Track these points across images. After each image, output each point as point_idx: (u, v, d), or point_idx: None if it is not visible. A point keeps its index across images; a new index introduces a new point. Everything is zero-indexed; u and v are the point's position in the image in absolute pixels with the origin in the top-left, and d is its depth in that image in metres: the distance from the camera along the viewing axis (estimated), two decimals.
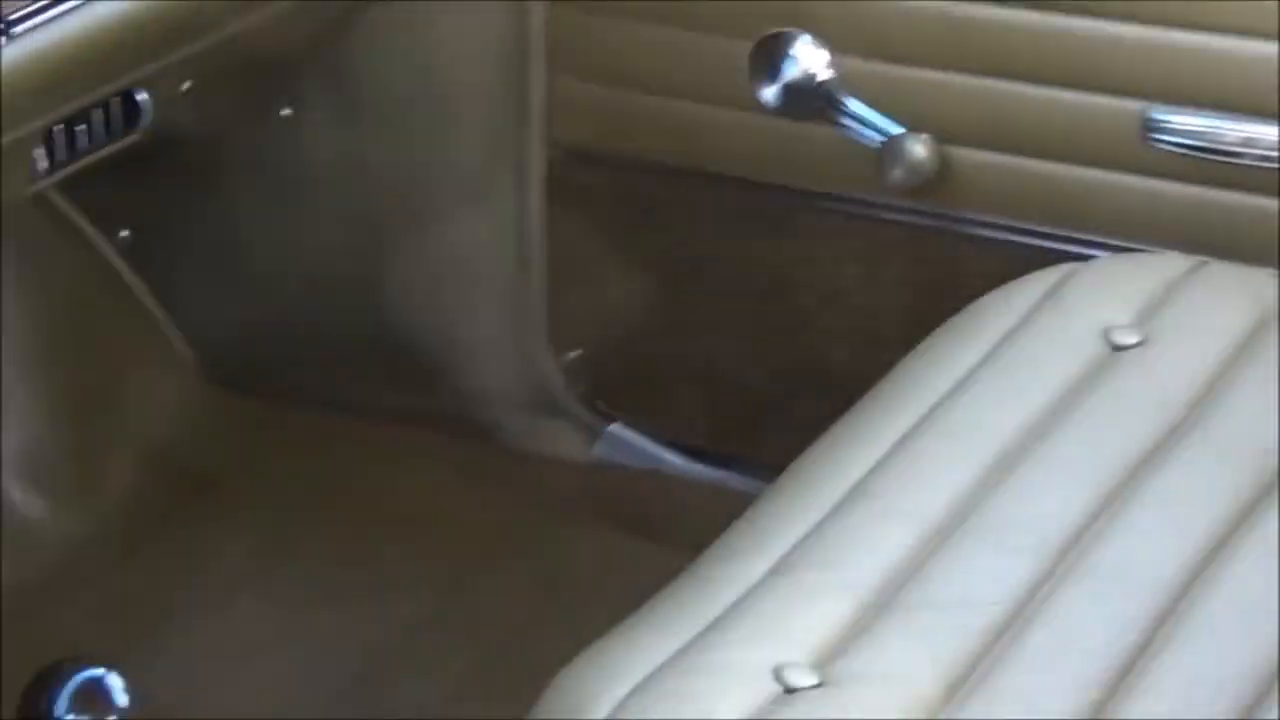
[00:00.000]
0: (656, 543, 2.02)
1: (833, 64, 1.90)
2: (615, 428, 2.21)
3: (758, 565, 1.39)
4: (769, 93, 1.95)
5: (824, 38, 1.90)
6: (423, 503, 2.25)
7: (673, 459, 2.20)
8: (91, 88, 1.78)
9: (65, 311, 2.16)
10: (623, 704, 1.27)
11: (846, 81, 1.93)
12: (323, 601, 2.11)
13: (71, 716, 1.42)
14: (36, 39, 1.55)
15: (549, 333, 2.22)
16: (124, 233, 2.27)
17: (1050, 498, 1.42)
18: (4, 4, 1.55)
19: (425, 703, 1.97)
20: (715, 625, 1.33)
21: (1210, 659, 1.22)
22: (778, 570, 1.37)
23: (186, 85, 1.89)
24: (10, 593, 2.02)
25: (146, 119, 1.84)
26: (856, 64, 1.90)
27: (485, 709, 1.85)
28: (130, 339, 2.39)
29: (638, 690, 1.26)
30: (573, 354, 2.22)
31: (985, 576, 1.36)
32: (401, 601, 2.08)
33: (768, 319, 2.10)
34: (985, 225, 1.94)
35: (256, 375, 2.40)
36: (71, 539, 2.16)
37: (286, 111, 2.16)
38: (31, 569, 2.12)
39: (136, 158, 1.88)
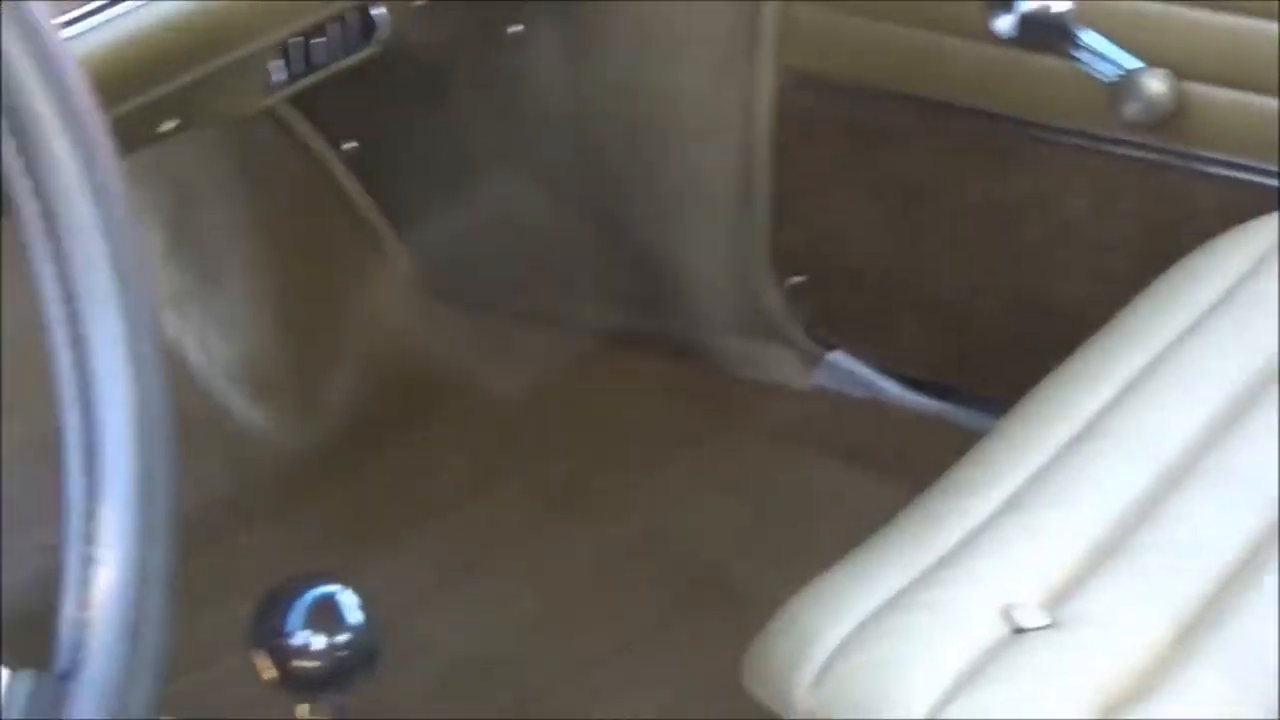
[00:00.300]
0: (875, 473, 2.05)
1: None
2: (836, 355, 2.20)
3: (987, 502, 1.40)
4: (1004, 23, 1.89)
5: None
6: (641, 424, 2.27)
7: (892, 389, 2.19)
8: (330, 1, 1.84)
9: (290, 224, 2.20)
10: (847, 640, 1.29)
11: (1083, 14, 1.87)
12: (540, 518, 2.13)
13: (306, 632, 1.33)
14: None
15: (771, 259, 2.21)
16: (349, 145, 2.30)
17: None
18: None
19: (638, 623, 1.98)
20: (943, 562, 1.35)
21: None
22: (1007, 508, 1.37)
23: (421, 0, 1.95)
24: (230, 506, 2.07)
25: (382, 33, 1.87)
26: None
27: (694, 632, 1.93)
28: (353, 252, 2.42)
29: (862, 626, 1.30)
30: (795, 280, 2.21)
31: (1216, 522, 1.35)
32: (616, 522, 2.09)
33: (995, 251, 2.08)
34: (1220, 164, 1.90)
35: (478, 291, 2.41)
36: (294, 451, 2.19)
37: (516, 29, 2.17)
38: (253, 481, 2.18)
39: (366, 72, 1.91)
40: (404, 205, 2.41)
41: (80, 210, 1.03)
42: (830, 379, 2.22)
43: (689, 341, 2.30)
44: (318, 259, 2.24)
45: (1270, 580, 1.30)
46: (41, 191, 1.03)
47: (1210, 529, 1.36)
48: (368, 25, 1.89)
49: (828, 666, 1.31)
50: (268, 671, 1.24)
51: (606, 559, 2.07)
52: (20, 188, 1.02)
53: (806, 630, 1.34)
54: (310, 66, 1.86)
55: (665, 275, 2.30)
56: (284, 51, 1.83)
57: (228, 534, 1.87)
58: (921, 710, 1.24)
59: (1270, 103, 1.87)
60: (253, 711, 1.29)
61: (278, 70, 1.83)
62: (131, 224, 1.05)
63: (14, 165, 1.02)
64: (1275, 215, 1.73)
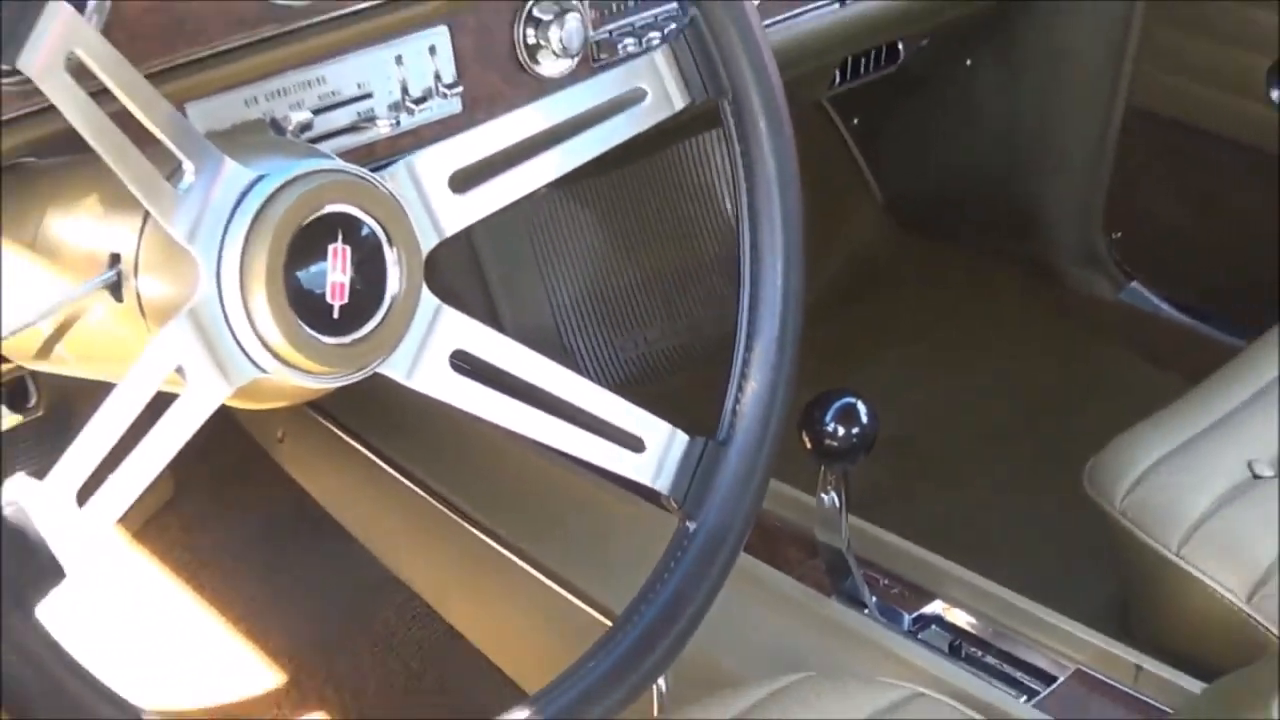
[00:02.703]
0: (1159, 367, 2.41)
1: None
2: (1135, 284, 2.63)
3: (1243, 390, 1.72)
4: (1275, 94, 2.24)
5: None
6: (1003, 321, 2.65)
7: (1174, 311, 2.55)
8: (878, 39, 2.19)
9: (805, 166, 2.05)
10: (1150, 468, 1.62)
11: None
12: (926, 362, 2.46)
13: (834, 426, 1.54)
14: (863, 8, 1.89)
15: (1105, 222, 2.63)
16: (855, 120, 2.81)
17: None
18: None
19: (995, 430, 2.33)
20: (1213, 427, 1.66)
21: None
22: (1257, 396, 1.70)
23: (925, 41, 2.34)
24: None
25: (899, 59, 2.30)
26: None
27: (1036, 443, 2.27)
28: (839, 181, 2.82)
29: (1159, 460, 1.62)
30: (1116, 235, 2.62)
31: None
32: (965, 383, 2.44)
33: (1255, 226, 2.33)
34: None
35: (928, 220, 2.85)
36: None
37: (969, 62, 2.66)
38: None
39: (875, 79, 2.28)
40: (882, 157, 2.83)
41: (769, 169, 1.27)
42: (1131, 298, 2.62)
43: (1046, 263, 2.71)
44: (822, 190, 2.20)
45: None
46: (747, 159, 1.27)
47: None
48: (892, 53, 2.29)
49: (1139, 480, 1.63)
50: (808, 444, 1.53)
51: (969, 393, 2.43)
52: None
53: (1128, 458, 1.66)
54: (856, 76, 2.26)
55: (1041, 223, 2.71)
56: (844, 64, 2.23)
57: None
58: (1189, 521, 1.57)
59: None
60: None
61: (836, 77, 2.26)
62: (793, 179, 1.28)
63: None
64: None
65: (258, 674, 2.06)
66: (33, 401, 1.55)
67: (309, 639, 2.07)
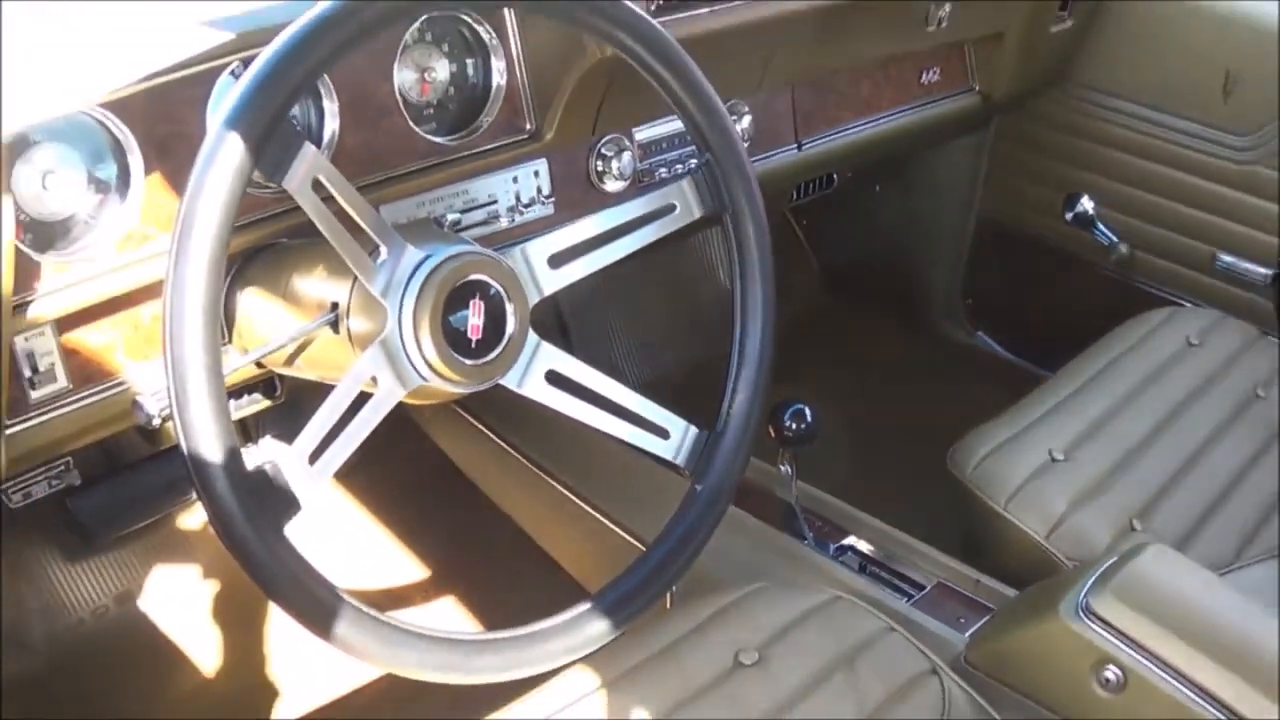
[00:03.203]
0: (995, 387, 2.07)
1: None
2: (980, 333, 2.54)
3: (1048, 403, 1.68)
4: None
5: None
6: (894, 354, 2.50)
7: (1005, 352, 2.46)
8: (820, 173, 2.05)
9: None
10: (989, 452, 1.60)
11: None
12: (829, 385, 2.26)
13: (790, 423, 1.51)
14: (812, 152, 1.81)
15: (962, 290, 2.51)
16: (803, 221, 2.62)
17: None
18: None
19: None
20: (1023, 431, 1.63)
21: None
22: (1054, 405, 1.68)
23: (850, 174, 2.17)
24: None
25: (834, 184, 2.16)
26: None
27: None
28: (790, 258, 2.61)
29: (998, 447, 1.60)
30: (969, 300, 2.50)
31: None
32: (871, 394, 2.32)
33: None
34: None
35: (848, 286, 2.70)
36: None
37: (877, 187, 2.51)
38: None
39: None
40: (822, 248, 2.69)
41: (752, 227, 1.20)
42: (978, 343, 2.55)
43: (923, 319, 2.58)
44: (779, 264, 1.44)
45: None
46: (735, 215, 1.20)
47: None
48: (830, 180, 2.13)
49: (981, 460, 1.61)
50: (772, 434, 1.49)
51: (872, 400, 2.29)
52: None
53: (975, 446, 1.62)
54: (805, 194, 2.13)
55: (920, 291, 2.58)
56: (798, 186, 2.07)
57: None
58: (1012, 487, 1.55)
59: None
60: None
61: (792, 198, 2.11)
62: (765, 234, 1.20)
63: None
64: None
65: (410, 571, 2.01)
66: (278, 393, 1.55)
67: (447, 554, 2.02)
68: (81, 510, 1.84)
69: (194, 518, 1.94)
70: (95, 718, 1.68)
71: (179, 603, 1.85)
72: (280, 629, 1.82)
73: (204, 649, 1.82)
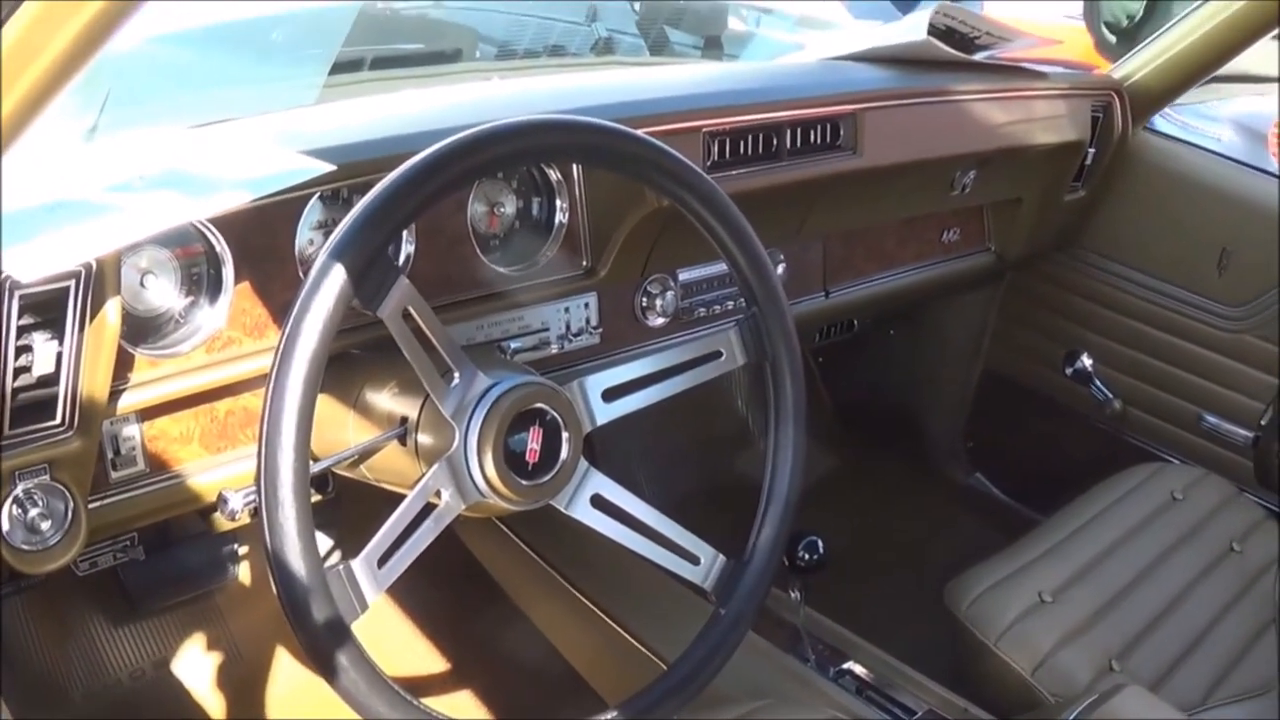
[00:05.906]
0: (991, 529, 2.17)
1: None
2: (979, 475, 2.52)
3: (1040, 547, 1.65)
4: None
5: None
6: (898, 491, 2.44)
7: (1001, 494, 2.41)
8: (842, 319, 2.01)
9: None
10: (983, 593, 1.56)
11: None
12: None
13: (802, 553, 1.49)
14: (837, 300, 1.80)
15: (964, 435, 2.48)
16: (820, 359, 2.57)
17: None
18: None
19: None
20: (1016, 572, 1.59)
21: None
22: (1046, 550, 1.65)
23: (868, 320, 2.14)
24: None
25: (854, 329, 2.11)
26: None
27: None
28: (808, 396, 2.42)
29: (991, 587, 1.57)
30: (970, 444, 2.51)
31: None
32: (875, 527, 2.24)
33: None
34: None
35: (859, 425, 2.62)
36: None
37: (891, 333, 2.47)
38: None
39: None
40: (838, 388, 2.62)
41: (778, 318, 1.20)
42: (976, 484, 2.53)
43: (928, 459, 2.55)
44: None
45: None
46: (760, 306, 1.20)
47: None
48: (850, 325, 2.07)
49: (976, 599, 1.59)
50: (785, 561, 1.46)
51: (876, 534, 2.22)
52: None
53: (971, 585, 1.61)
54: (827, 337, 2.08)
55: (925, 433, 2.56)
56: (821, 329, 2.01)
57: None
58: (1003, 625, 1.51)
59: None
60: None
61: None
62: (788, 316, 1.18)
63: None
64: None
65: (433, 665, 1.97)
66: (330, 489, 1.56)
67: (471, 653, 1.97)
68: (131, 580, 1.86)
69: (231, 595, 1.93)
70: None
71: (211, 673, 1.85)
72: (306, 706, 1.79)
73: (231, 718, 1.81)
